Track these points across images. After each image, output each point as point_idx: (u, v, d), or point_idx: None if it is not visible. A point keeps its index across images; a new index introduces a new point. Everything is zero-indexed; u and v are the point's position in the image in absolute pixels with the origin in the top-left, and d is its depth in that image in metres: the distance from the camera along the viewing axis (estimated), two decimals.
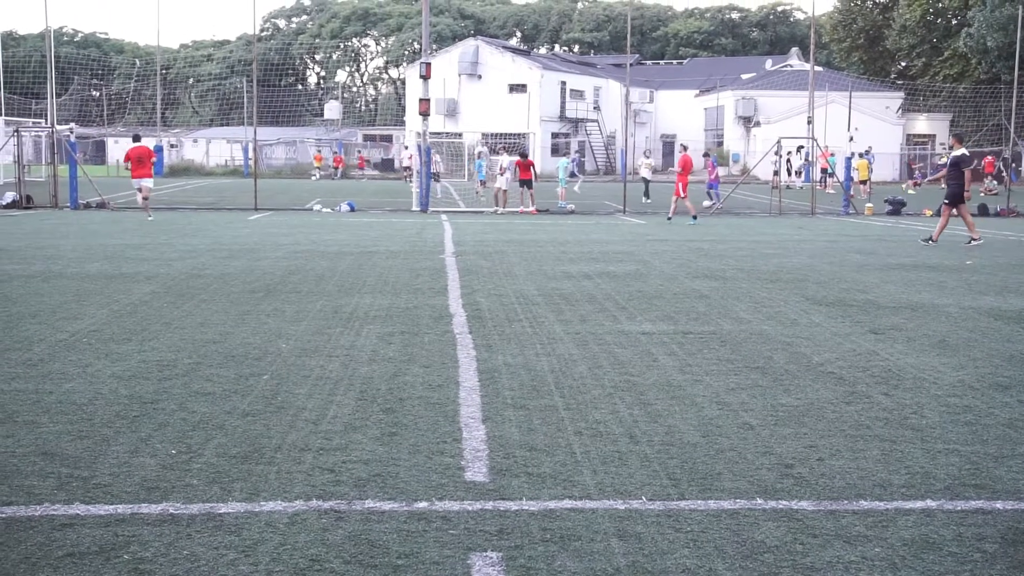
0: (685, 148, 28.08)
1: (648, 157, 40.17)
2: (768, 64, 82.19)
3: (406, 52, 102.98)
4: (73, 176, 29.42)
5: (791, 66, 77.42)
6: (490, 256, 16.05)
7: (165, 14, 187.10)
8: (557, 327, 9.29)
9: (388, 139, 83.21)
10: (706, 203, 32.78)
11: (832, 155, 42.45)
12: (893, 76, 76.98)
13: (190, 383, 6.86)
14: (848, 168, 34.58)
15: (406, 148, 56.01)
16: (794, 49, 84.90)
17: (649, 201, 34.47)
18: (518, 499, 4.66)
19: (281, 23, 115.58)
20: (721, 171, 41.77)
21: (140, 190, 25.48)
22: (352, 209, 29.50)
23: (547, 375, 7.25)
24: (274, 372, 7.24)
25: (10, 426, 5.79)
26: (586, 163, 74.70)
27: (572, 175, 50.50)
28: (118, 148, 72.90)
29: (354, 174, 64.47)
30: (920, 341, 8.77)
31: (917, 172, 57.14)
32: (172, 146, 75.01)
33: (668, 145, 78.86)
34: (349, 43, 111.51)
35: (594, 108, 76.82)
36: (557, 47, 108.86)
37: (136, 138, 27.23)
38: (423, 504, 4.58)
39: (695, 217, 26.04)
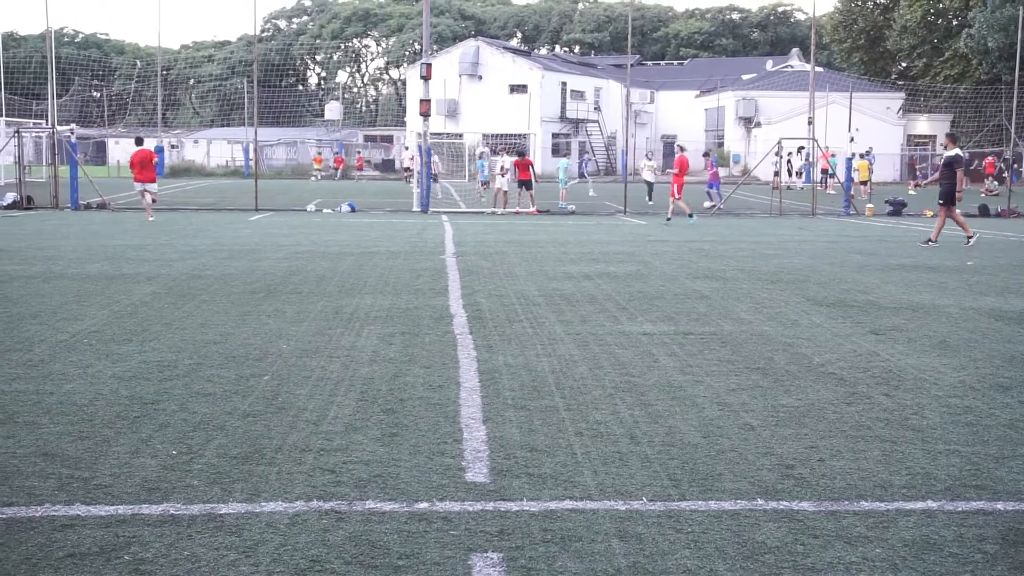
0: (682, 149, 28.08)
1: (651, 159, 40.16)
2: (769, 65, 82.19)
3: (407, 53, 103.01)
4: (74, 177, 29.43)
5: (792, 67, 77.42)
6: (491, 257, 16.05)
7: (166, 15, 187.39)
8: (558, 328, 9.29)
9: (389, 140, 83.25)
10: (707, 203, 32.79)
11: (833, 156, 42.45)
12: (894, 77, 76.99)
13: (191, 384, 6.86)
14: (849, 169, 34.59)
15: (407, 149, 56.03)
16: (795, 50, 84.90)
17: (652, 203, 34.48)
18: (519, 500, 4.66)
19: (282, 24, 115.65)
20: (722, 172, 41.81)
21: (143, 194, 25.18)
22: (353, 210, 29.51)
23: (548, 376, 7.25)
24: (275, 373, 7.24)
25: (11, 427, 5.79)
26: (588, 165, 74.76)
27: (582, 176, 50.52)
28: (119, 149, 73.00)
29: (353, 175, 64.50)
30: (921, 342, 8.77)
31: (920, 173, 57.15)
32: (173, 147, 75.09)
33: (668, 146, 78.74)
34: (350, 44, 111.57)
35: (595, 109, 76.84)
36: (558, 48, 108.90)
37: (139, 141, 27.01)
38: (424, 505, 4.58)
39: (691, 215, 26.05)
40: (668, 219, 26.03)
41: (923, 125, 71.07)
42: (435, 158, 38.09)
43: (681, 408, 6.36)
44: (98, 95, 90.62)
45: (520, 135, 54.17)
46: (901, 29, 69.61)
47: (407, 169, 48.45)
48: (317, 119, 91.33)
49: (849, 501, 4.71)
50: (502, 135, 55.48)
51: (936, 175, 20.23)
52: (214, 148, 77.25)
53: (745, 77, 77.80)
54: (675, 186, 26.28)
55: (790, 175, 46.83)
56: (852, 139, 47.13)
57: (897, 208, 30.96)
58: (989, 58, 59.90)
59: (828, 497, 4.76)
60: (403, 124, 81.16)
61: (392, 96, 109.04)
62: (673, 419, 6.10)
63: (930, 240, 19.17)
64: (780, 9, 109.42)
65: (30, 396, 6.49)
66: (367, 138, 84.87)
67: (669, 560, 4.01)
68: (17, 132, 31.86)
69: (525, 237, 20.40)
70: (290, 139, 77.13)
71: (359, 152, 71.39)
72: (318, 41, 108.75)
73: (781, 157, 35.49)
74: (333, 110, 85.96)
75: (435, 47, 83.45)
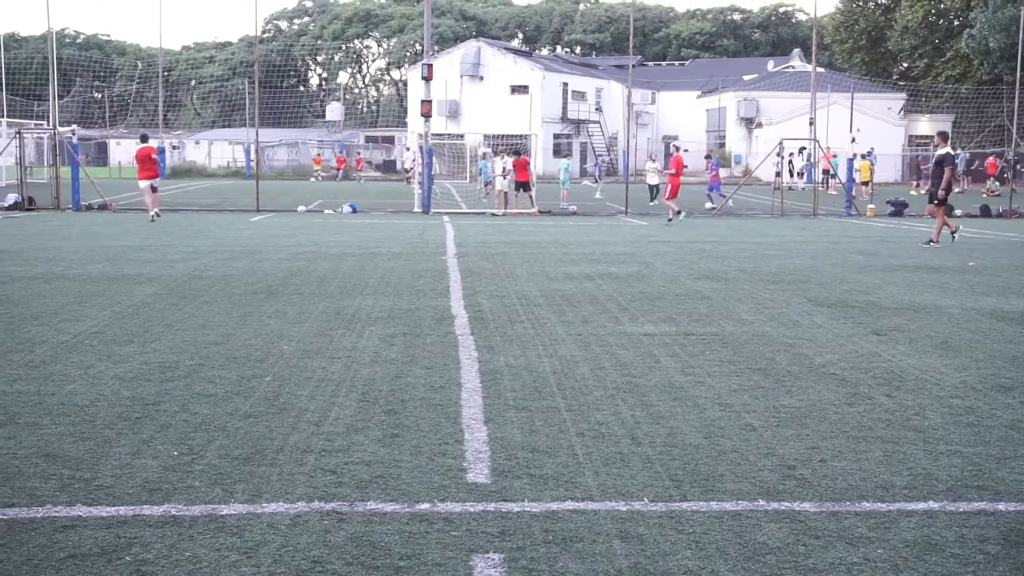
0: (677, 148, 28.05)
1: (654, 160, 40.16)
2: (770, 65, 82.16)
3: (408, 53, 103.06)
4: (75, 178, 29.45)
5: (793, 67, 77.41)
6: (492, 257, 16.05)
7: (167, 16, 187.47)
8: (559, 328, 9.29)
9: (390, 140, 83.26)
10: (708, 205, 32.79)
11: (834, 156, 42.43)
12: (895, 77, 76.95)
13: (192, 385, 6.87)
14: (850, 169, 34.58)
15: (408, 150, 56.02)
16: (796, 50, 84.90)
17: (654, 204, 34.47)
18: (520, 500, 4.66)
19: (283, 25, 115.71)
20: (723, 172, 41.80)
21: (147, 191, 25.27)
22: (354, 211, 29.52)
23: (549, 376, 7.25)
24: (276, 374, 7.24)
25: (12, 428, 5.79)
26: (588, 164, 74.78)
27: (596, 179, 50.50)
28: (120, 150, 73.10)
29: (353, 175, 64.51)
30: (922, 342, 8.76)
31: (924, 174, 57.06)
32: (174, 148, 75.10)
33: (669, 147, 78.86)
34: (351, 44, 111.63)
35: (596, 109, 76.83)
36: (559, 48, 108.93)
37: (143, 138, 27.21)
38: (425, 505, 4.58)
39: (671, 219, 25.99)
40: (669, 220, 26.03)
41: (924, 125, 70.97)
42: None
43: (682, 409, 6.36)
44: (99, 96, 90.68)
45: (521, 136, 54.19)
46: (902, 29, 69.59)
47: (408, 170, 48.45)
48: (318, 120, 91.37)
49: (851, 502, 4.71)
50: (503, 136, 55.49)
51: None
52: (215, 149, 77.27)
53: (746, 78, 77.79)
54: (670, 186, 26.26)
55: (791, 176, 46.82)
56: (853, 140, 47.08)
57: (899, 209, 30.95)
58: (990, 58, 59.86)
59: (830, 498, 4.76)
60: (404, 125, 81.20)
61: (393, 97, 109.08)
62: (674, 420, 6.10)
63: (931, 241, 19.18)
64: (781, 10, 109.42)
65: (31, 397, 6.49)
66: (368, 139, 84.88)
67: (670, 561, 4.01)
68: (19, 133, 31.90)
69: (526, 238, 20.40)
70: (291, 140, 77.14)
71: (358, 153, 71.39)
72: (319, 42, 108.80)
73: (782, 158, 35.50)
74: (334, 111, 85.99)
75: (436, 48, 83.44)
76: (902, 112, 70.35)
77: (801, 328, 9.46)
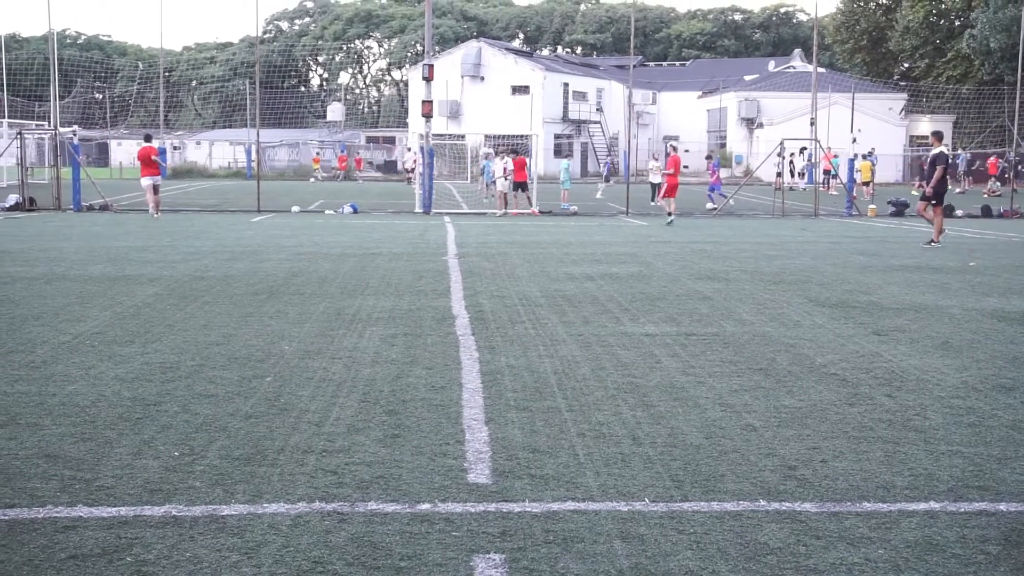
0: (675, 148, 28.04)
1: (657, 160, 40.15)
2: (771, 66, 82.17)
3: (409, 54, 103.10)
4: (76, 178, 29.46)
5: (794, 67, 77.41)
6: (493, 258, 16.05)
7: (168, 17, 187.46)
8: (560, 329, 9.28)
9: (391, 141, 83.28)
10: (709, 205, 32.79)
11: (835, 156, 42.41)
12: (896, 77, 76.96)
13: (193, 385, 6.87)
14: (851, 169, 34.58)
15: (409, 150, 56.00)
16: (797, 50, 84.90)
17: (655, 204, 34.43)
18: (521, 501, 4.66)
19: (284, 25, 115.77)
20: (724, 173, 41.77)
21: (149, 190, 25.81)
22: (355, 211, 29.52)
23: (550, 377, 7.25)
24: (277, 374, 7.24)
25: (13, 428, 5.79)
26: (589, 165, 74.78)
27: (607, 179, 50.44)
28: (121, 150, 73.13)
29: (353, 175, 64.49)
30: (923, 343, 8.76)
31: (925, 174, 57.04)
32: (175, 148, 75.11)
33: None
34: (352, 45, 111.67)
35: (597, 110, 76.85)
36: (560, 49, 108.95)
37: (147, 138, 27.73)
38: (426, 506, 4.58)
39: (670, 216, 25.98)
40: (670, 220, 26.02)
41: (925, 126, 70.92)
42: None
43: (683, 409, 6.36)
44: (100, 97, 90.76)
45: (522, 136, 54.20)
46: (903, 30, 69.58)
47: (409, 170, 48.40)
48: (319, 120, 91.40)
49: (851, 502, 4.71)
50: (504, 136, 55.49)
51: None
52: (216, 149, 77.29)
53: (747, 78, 77.80)
54: (665, 186, 26.25)
55: (792, 176, 46.80)
56: (854, 140, 47.10)
57: (899, 209, 30.95)
58: (991, 59, 59.85)
59: (830, 498, 4.76)
60: (405, 125, 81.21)
61: (394, 97, 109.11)
62: (675, 420, 6.09)
63: (932, 241, 19.17)
64: (782, 10, 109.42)
65: (32, 398, 6.50)
66: (369, 139, 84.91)
67: (671, 561, 4.01)
68: (20, 134, 31.89)
69: (527, 238, 20.40)
70: (292, 140, 77.16)
71: (358, 153, 71.41)
72: (320, 42, 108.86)
73: (783, 158, 35.49)
74: (335, 111, 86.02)
75: (437, 48, 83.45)
76: (903, 112, 70.34)
77: (802, 328, 9.46)
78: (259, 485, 4.84)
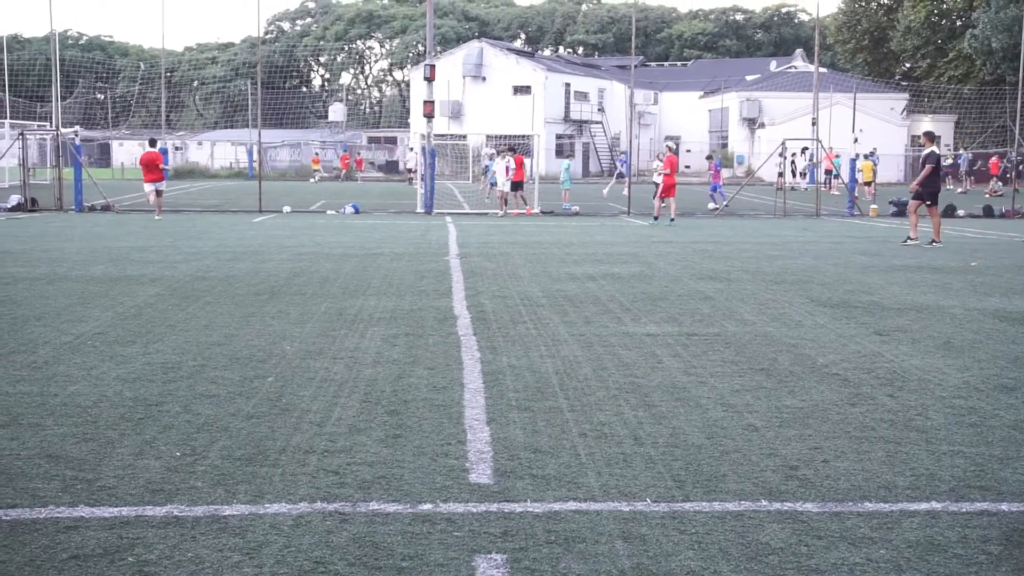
0: (671, 148, 28.04)
1: (661, 159, 40.05)
2: (772, 66, 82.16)
3: (410, 54, 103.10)
4: (78, 179, 29.47)
5: (795, 68, 77.40)
6: (494, 258, 16.05)
7: (170, 17, 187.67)
8: (561, 329, 9.28)
9: (392, 141, 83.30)
10: (711, 205, 32.78)
11: (837, 156, 42.39)
12: (898, 77, 76.91)
13: (195, 385, 6.87)
14: (853, 169, 34.56)
15: (411, 150, 55.97)
16: (798, 50, 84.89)
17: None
18: (522, 501, 4.66)
19: (285, 26, 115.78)
20: (726, 173, 41.76)
21: (151, 194, 26.07)
22: (356, 211, 29.53)
23: (551, 377, 7.25)
24: (279, 374, 7.24)
25: (15, 428, 5.80)
26: (590, 165, 74.76)
27: (620, 176, 50.34)
28: (123, 151, 73.11)
29: (354, 175, 64.46)
30: (925, 343, 8.76)
31: None
32: (177, 148, 75.06)
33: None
34: (353, 45, 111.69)
35: (598, 110, 76.84)
36: (561, 49, 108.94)
37: (152, 142, 27.85)
38: (427, 506, 4.58)
39: (656, 219, 25.97)
40: (672, 220, 26.02)
41: (927, 126, 70.84)
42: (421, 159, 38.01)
43: (685, 409, 6.36)
44: (102, 97, 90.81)
45: (524, 136, 54.20)
46: (905, 30, 69.55)
47: (411, 171, 48.37)
48: (321, 121, 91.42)
49: (853, 502, 4.70)
50: (506, 136, 55.48)
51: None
52: (218, 150, 77.29)
53: (749, 78, 77.80)
54: (661, 185, 26.22)
55: (794, 176, 46.78)
56: (856, 140, 47.09)
57: (901, 209, 30.91)
58: (993, 59, 59.80)
59: (832, 498, 4.76)
60: (407, 126, 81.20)
61: (396, 98, 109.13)
62: (677, 420, 6.09)
63: (933, 241, 19.17)
64: (784, 10, 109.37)
65: (34, 398, 6.50)
66: (371, 139, 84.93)
67: (673, 561, 4.01)
68: (21, 134, 31.91)
69: (529, 238, 20.40)
70: (294, 141, 77.18)
71: (358, 154, 71.39)
72: (322, 43, 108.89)
73: (785, 158, 35.48)
74: (337, 112, 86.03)
75: (439, 48, 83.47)
76: (905, 112, 70.31)
77: (804, 328, 9.45)
78: (261, 485, 4.84)
